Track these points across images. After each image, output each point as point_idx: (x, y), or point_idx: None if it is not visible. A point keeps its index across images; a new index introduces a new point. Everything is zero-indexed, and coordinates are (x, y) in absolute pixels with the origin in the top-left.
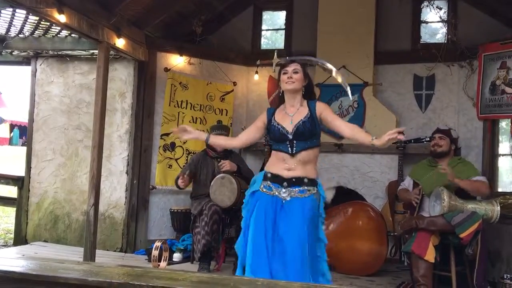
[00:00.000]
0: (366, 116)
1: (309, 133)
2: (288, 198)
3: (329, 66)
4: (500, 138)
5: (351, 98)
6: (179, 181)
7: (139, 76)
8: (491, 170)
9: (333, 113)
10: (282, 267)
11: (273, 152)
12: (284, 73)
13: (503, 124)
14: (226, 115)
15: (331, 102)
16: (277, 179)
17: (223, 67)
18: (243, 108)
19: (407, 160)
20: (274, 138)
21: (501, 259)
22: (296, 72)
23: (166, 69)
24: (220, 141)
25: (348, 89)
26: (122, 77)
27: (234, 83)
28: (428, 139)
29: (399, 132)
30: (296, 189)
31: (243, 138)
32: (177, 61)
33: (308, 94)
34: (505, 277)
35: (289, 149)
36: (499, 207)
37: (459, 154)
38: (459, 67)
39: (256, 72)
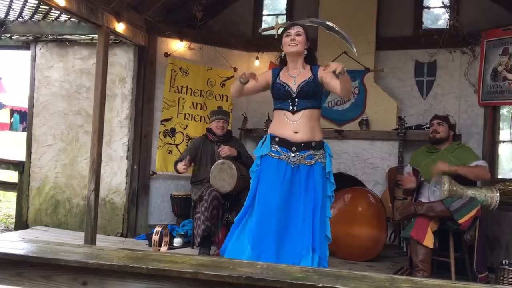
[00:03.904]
0: (367, 102)
1: (312, 93)
2: (297, 163)
3: (331, 24)
4: (501, 125)
5: (355, 51)
6: (180, 166)
7: (139, 61)
8: (491, 157)
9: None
10: (283, 238)
11: (275, 112)
12: (287, 36)
13: (504, 111)
14: (227, 101)
15: None
16: (285, 144)
17: (224, 53)
18: None
19: (407, 146)
20: (278, 96)
21: (500, 245)
22: (299, 35)
23: (166, 54)
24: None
25: (353, 45)
26: (122, 62)
27: (235, 69)
28: (429, 125)
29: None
30: (305, 154)
31: (254, 84)
32: (177, 46)
33: (310, 57)
34: (503, 263)
35: (291, 106)
36: (498, 194)
37: (460, 140)
38: (461, 53)
39: (257, 58)
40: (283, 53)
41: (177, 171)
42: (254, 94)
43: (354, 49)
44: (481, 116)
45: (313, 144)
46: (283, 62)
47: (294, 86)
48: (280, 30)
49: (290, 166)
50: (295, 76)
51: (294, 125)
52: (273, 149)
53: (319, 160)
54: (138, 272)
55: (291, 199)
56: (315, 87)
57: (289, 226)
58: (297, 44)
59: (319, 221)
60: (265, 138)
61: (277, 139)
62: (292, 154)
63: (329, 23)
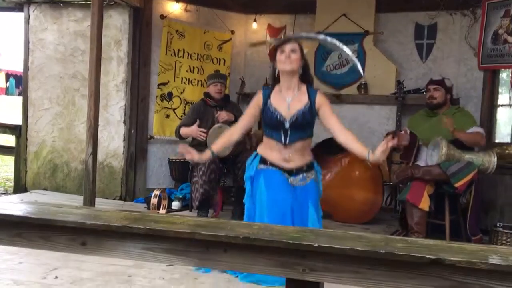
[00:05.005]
0: (366, 66)
1: (307, 124)
2: (290, 183)
3: (330, 39)
4: (499, 89)
5: (362, 74)
6: (197, 132)
7: (135, 23)
8: (489, 121)
9: (332, 111)
10: None
11: (265, 138)
12: (281, 53)
13: (504, 75)
14: (224, 64)
15: (330, 51)
16: (276, 167)
17: (221, 15)
18: (241, 57)
19: (405, 110)
20: (269, 124)
21: (495, 208)
22: (294, 52)
23: (162, 17)
24: (222, 142)
25: (358, 63)
26: (117, 25)
27: (232, 32)
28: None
29: (390, 140)
30: (297, 178)
31: (240, 129)
32: (173, 7)
33: (305, 75)
34: (498, 225)
35: (283, 138)
36: (496, 158)
37: (458, 103)
38: (462, 15)
39: (255, 20)
40: (277, 70)
41: (180, 137)
42: (253, 125)
43: (360, 69)
44: (480, 80)
45: (305, 168)
46: (275, 80)
47: (287, 115)
48: (273, 42)
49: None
50: (289, 101)
51: (285, 156)
52: (266, 165)
53: (313, 179)
54: (137, 233)
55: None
56: (311, 118)
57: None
58: (292, 62)
59: None
60: (255, 156)
61: (268, 162)
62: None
63: (330, 38)
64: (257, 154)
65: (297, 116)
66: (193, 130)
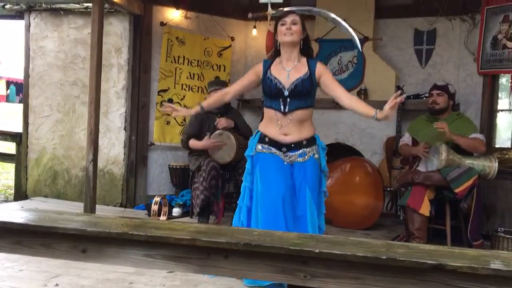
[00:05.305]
0: (366, 72)
1: (306, 92)
2: (290, 162)
3: (331, 15)
4: (499, 94)
5: (359, 47)
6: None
7: (135, 30)
8: (489, 126)
9: (333, 78)
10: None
11: (265, 109)
12: (282, 24)
13: (503, 80)
14: (224, 71)
15: (330, 57)
16: (275, 144)
17: (221, 22)
18: (241, 63)
19: (405, 116)
20: (268, 93)
21: (496, 213)
22: (295, 24)
23: (162, 24)
24: (214, 100)
25: (356, 38)
26: (117, 32)
27: (232, 38)
28: (427, 95)
29: (398, 96)
30: (296, 153)
31: (234, 91)
32: (174, 15)
33: (306, 48)
34: (499, 230)
35: (282, 107)
36: (497, 164)
37: (458, 109)
38: (461, 21)
39: (254, 27)
40: (278, 43)
41: (188, 148)
42: (247, 91)
43: (359, 45)
44: (479, 85)
45: (304, 142)
46: (277, 53)
47: (287, 83)
48: (274, 15)
49: (283, 161)
50: (289, 70)
51: (283, 127)
52: (263, 145)
53: (313, 155)
54: (137, 240)
55: (293, 190)
56: (310, 86)
57: (295, 216)
58: (293, 34)
59: (316, 219)
60: (255, 134)
61: (267, 138)
62: (283, 154)
63: (332, 14)
64: (258, 131)
65: (296, 83)
66: (205, 144)
